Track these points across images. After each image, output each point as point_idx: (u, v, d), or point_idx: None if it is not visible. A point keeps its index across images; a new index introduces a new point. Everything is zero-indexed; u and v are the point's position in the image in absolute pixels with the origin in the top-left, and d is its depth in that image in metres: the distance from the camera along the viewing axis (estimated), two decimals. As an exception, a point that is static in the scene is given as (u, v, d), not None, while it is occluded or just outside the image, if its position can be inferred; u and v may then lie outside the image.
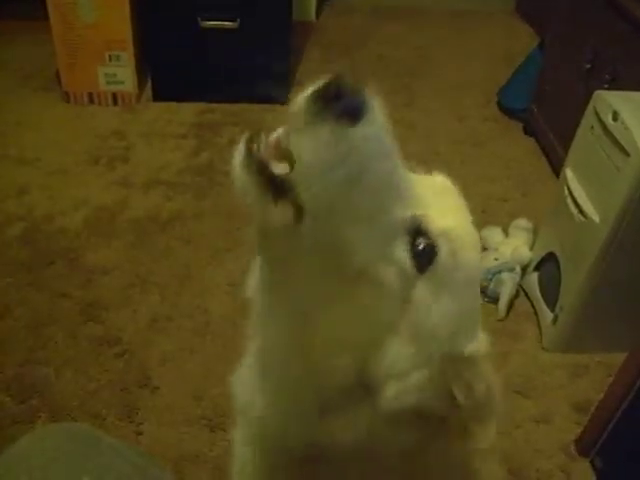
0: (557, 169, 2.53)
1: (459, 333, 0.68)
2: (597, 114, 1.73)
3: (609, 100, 1.69)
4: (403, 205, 0.64)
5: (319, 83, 0.58)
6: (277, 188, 0.59)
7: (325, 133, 0.57)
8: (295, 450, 0.75)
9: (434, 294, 0.65)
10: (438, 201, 0.69)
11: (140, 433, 1.65)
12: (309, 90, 0.58)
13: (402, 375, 0.66)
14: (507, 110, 3.00)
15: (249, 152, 0.60)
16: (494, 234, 2.17)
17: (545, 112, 2.67)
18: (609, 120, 1.66)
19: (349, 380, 0.67)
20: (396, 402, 0.67)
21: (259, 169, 0.59)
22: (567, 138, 2.10)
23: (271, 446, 0.78)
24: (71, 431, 0.82)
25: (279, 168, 0.59)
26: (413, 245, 0.64)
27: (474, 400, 0.68)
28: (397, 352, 0.66)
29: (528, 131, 2.86)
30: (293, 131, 0.59)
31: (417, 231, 0.64)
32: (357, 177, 0.59)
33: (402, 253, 0.63)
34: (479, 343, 0.70)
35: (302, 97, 0.58)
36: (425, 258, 0.64)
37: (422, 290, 0.64)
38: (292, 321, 0.68)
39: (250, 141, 0.60)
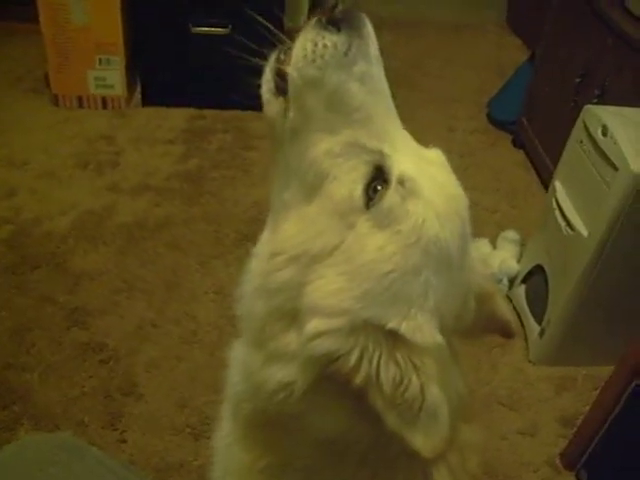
0: (546, 181, 2.54)
1: (398, 299, 0.65)
2: (587, 128, 1.74)
3: (599, 114, 1.70)
4: (373, 134, 0.68)
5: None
6: (283, 87, 0.71)
7: (311, 32, 0.68)
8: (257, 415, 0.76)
9: (375, 234, 0.65)
10: (424, 163, 0.72)
11: (124, 441, 1.63)
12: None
13: (326, 312, 0.65)
14: (496, 122, 3.01)
15: (277, 57, 0.73)
16: (482, 246, 2.17)
17: (534, 125, 2.69)
18: (598, 135, 1.67)
19: (287, 303, 0.68)
20: (313, 342, 0.65)
21: (276, 70, 0.72)
22: (556, 151, 2.11)
23: (243, 417, 0.79)
24: (55, 441, 0.81)
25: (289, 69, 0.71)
26: (371, 179, 0.67)
27: (403, 395, 0.64)
28: (328, 284, 0.66)
29: (517, 143, 2.87)
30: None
31: (378, 167, 0.68)
32: (323, 82, 0.67)
33: (357, 181, 0.67)
34: (424, 332, 0.65)
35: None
36: (375, 194, 0.67)
37: (365, 225, 0.66)
38: (269, 227, 0.75)
39: (282, 48, 0.73)
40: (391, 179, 0.67)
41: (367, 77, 0.69)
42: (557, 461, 1.70)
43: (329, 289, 0.66)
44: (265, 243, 0.74)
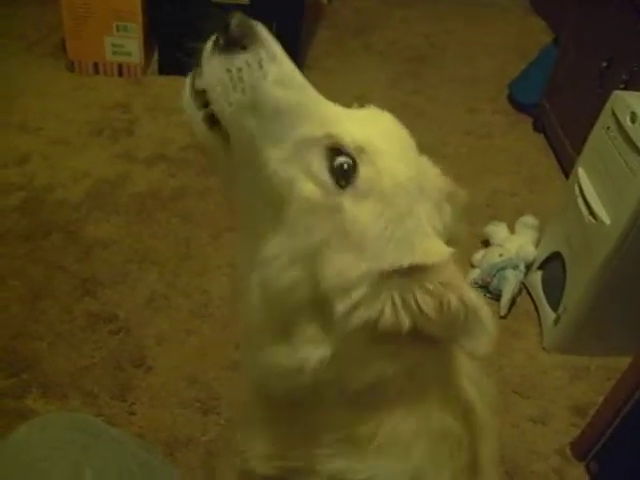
0: (565, 167, 2.50)
1: (402, 241, 0.70)
2: (614, 115, 1.69)
3: (628, 101, 1.65)
4: (314, 125, 0.70)
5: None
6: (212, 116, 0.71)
7: (216, 61, 0.69)
8: (277, 395, 0.80)
9: (360, 204, 0.68)
10: (363, 122, 0.73)
11: (132, 413, 1.62)
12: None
13: (348, 289, 0.69)
14: (518, 104, 2.96)
15: (192, 86, 0.72)
16: (500, 230, 2.14)
17: (557, 109, 2.63)
18: (627, 121, 1.63)
19: (305, 296, 0.71)
20: (348, 317, 0.69)
21: (198, 101, 0.72)
22: (578, 136, 2.07)
23: (261, 396, 0.85)
24: (73, 421, 0.80)
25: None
26: (331, 162, 0.69)
27: (449, 313, 0.68)
28: (338, 264, 0.69)
29: (537, 127, 2.83)
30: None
31: (333, 148, 0.69)
32: (251, 100, 0.68)
33: (320, 169, 0.69)
34: (435, 250, 0.71)
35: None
36: (344, 172, 0.69)
37: (349, 201, 0.68)
38: (249, 240, 0.76)
39: (193, 76, 0.72)
40: (351, 152, 0.69)
41: (285, 77, 0.70)
42: (568, 451, 1.68)
43: (341, 268, 0.69)
44: (254, 252, 0.74)
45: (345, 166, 0.69)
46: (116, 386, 1.67)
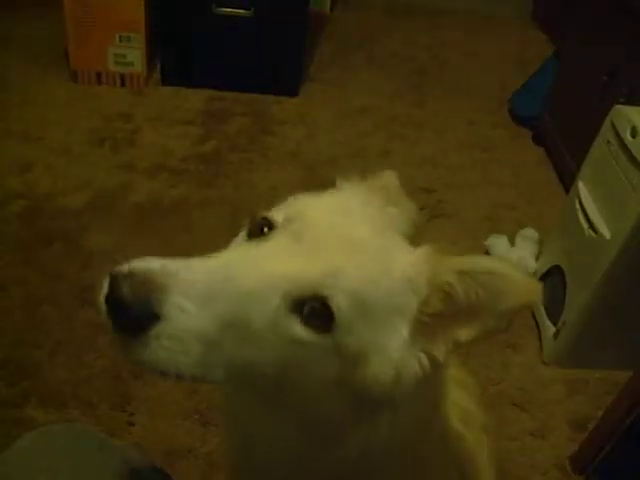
0: (565, 180, 2.50)
1: (403, 295, 0.66)
2: (615, 129, 1.70)
3: (629, 115, 1.66)
4: (264, 299, 0.61)
5: (104, 291, 0.59)
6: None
7: (138, 347, 0.59)
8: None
9: (351, 331, 0.63)
10: (301, 246, 0.65)
11: (132, 424, 1.62)
12: (100, 299, 0.60)
13: (395, 381, 0.66)
14: (518, 117, 2.98)
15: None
16: (500, 243, 2.14)
17: (557, 122, 2.64)
18: (627, 136, 1.63)
19: (350, 406, 0.67)
20: (402, 394, 0.67)
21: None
22: (578, 150, 2.08)
23: None
24: (75, 432, 0.79)
25: None
26: (301, 313, 0.62)
27: (458, 294, 0.67)
28: (370, 374, 0.65)
29: (537, 140, 2.84)
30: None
31: (296, 303, 0.62)
32: (197, 341, 0.59)
33: (297, 331, 0.62)
34: (416, 263, 0.68)
35: (100, 303, 0.60)
36: (318, 314, 0.62)
37: (341, 338, 0.63)
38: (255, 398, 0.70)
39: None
40: (313, 296, 0.62)
41: (206, 294, 0.60)
42: (567, 465, 1.68)
43: (374, 373, 0.65)
44: (272, 404, 0.70)
45: (317, 306, 0.62)
46: (116, 396, 1.67)
